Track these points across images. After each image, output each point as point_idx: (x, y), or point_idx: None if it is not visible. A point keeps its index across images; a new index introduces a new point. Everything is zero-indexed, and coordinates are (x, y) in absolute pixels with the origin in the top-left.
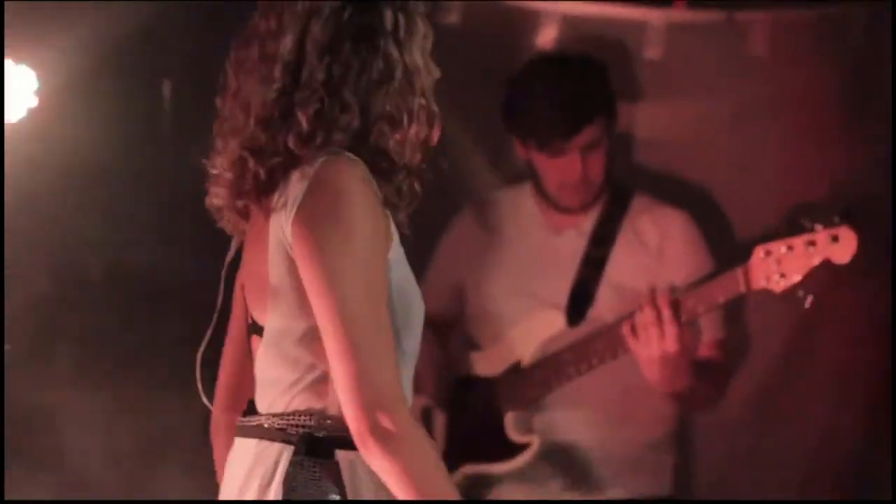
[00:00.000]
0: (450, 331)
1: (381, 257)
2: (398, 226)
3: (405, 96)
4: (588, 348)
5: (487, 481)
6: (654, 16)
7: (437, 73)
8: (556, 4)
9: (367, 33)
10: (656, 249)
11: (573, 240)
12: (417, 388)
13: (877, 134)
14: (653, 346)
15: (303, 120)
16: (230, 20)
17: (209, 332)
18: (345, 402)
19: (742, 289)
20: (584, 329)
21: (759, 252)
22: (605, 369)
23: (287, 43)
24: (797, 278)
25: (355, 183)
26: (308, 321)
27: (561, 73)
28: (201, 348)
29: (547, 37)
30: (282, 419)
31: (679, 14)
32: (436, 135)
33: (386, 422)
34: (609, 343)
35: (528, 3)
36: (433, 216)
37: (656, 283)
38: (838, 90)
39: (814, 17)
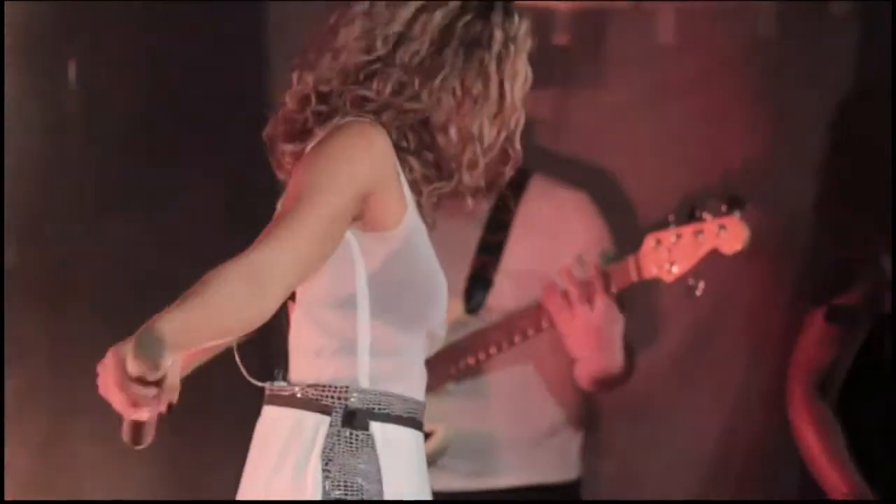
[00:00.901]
0: None
1: (347, 190)
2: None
3: (493, 124)
4: (486, 337)
5: None
6: (561, 2)
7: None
8: None
9: (474, 45)
10: (551, 231)
11: (469, 225)
12: None
13: (783, 124)
14: (577, 320)
15: (377, 86)
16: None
17: None
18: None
19: (634, 278)
20: (484, 316)
21: (649, 241)
22: (505, 354)
23: (403, 14)
24: (687, 267)
25: (364, 130)
26: (339, 287)
27: None
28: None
29: None
30: (316, 389)
31: (586, 1)
32: (508, 174)
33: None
34: (506, 331)
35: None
36: None
37: (552, 265)
38: (744, 79)
39: (722, 6)
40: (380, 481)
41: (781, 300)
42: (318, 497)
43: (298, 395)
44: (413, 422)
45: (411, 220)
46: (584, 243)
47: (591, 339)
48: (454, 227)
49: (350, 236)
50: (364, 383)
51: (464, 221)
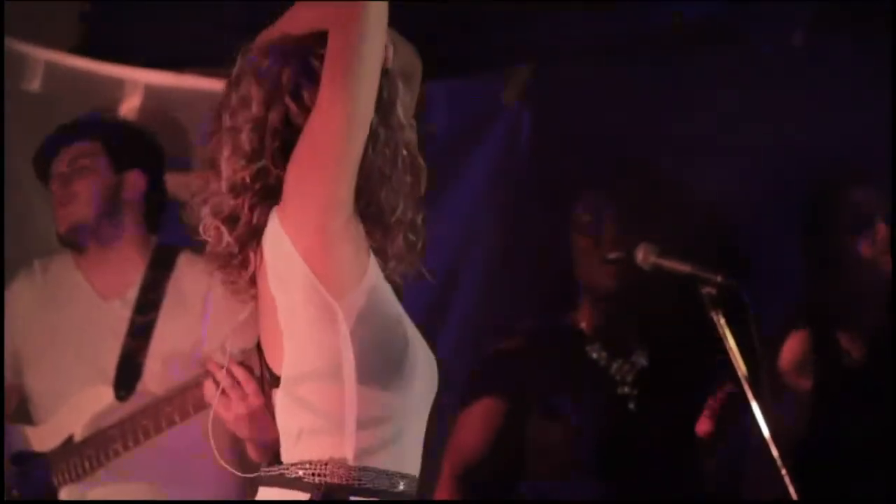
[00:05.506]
0: (7, 404)
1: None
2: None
3: (392, 151)
4: (134, 424)
5: None
6: None
7: (413, 134)
8: (140, 73)
9: None
10: (200, 305)
11: (119, 309)
12: None
13: None
14: (239, 405)
15: None
16: None
17: None
18: None
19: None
20: (134, 402)
21: None
22: (157, 438)
23: (261, 108)
24: None
25: None
26: (318, 359)
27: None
28: None
29: (131, 105)
30: (300, 468)
31: None
32: (422, 186)
33: None
34: (154, 418)
35: (112, 71)
36: None
37: (202, 341)
38: None
39: None
40: None
41: None
42: None
43: (285, 475)
44: (399, 495)
45: (374, 276)
46: (233, 313)
47: (250, 423)
48: (108, 310)
49: (331, 300)
50: (348, 459)
51: (116, 302)
